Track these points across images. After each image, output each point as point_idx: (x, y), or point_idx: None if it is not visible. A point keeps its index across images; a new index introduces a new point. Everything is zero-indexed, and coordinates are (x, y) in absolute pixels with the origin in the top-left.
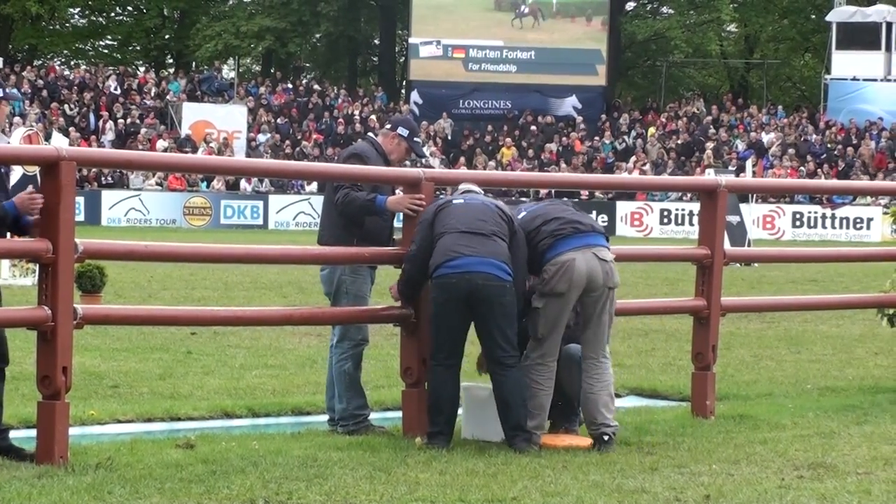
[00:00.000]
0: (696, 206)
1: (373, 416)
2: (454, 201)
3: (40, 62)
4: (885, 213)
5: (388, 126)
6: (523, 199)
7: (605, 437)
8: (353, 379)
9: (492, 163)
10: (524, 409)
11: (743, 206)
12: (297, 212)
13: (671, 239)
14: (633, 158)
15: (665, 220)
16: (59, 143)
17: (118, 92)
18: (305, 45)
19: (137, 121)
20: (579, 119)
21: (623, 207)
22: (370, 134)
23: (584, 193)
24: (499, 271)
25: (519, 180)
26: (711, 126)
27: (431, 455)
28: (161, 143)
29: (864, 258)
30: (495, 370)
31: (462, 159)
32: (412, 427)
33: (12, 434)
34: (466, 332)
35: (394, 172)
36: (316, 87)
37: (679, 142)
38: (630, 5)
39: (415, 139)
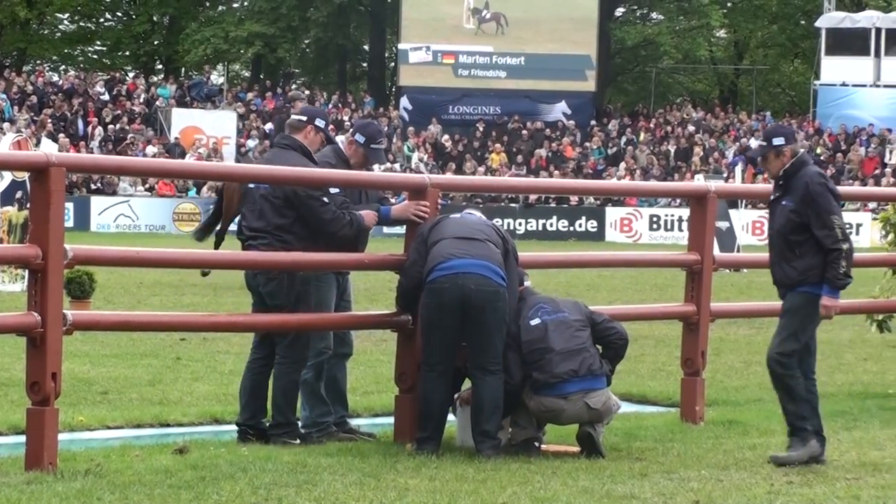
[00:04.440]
0: (685, 212)
1: (362, 422)
2: (451, 216)
3: (29, 67)
4: (875, 219)
5: (350, 131)
6: (513, 204)
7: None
8: (313, 388)
9: (481, 168)
10: (496, 416)
11: (732, 212)
12: None
13: (660, 245)
14: (623, 164)
15: (654, 226)
16: (48, 149)
17: (107, 98)
18: (294, 51)
19: (126, 126)
20: (569, 124)
21: (612, 213)
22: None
23: (574, 199)
24: (493, 275)
25: (515, 186)
26: (701, 131)
27: (421, 461)
28: (150, 149)
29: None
30: (476, 375)
31: (452, 165)
32: (405, 433)
33: (1, 440)
34: (459, 338)
35: (398, 179)
36: (306, 92)
37: (669, 147)
38: (619, 11)
39: (372, 146)
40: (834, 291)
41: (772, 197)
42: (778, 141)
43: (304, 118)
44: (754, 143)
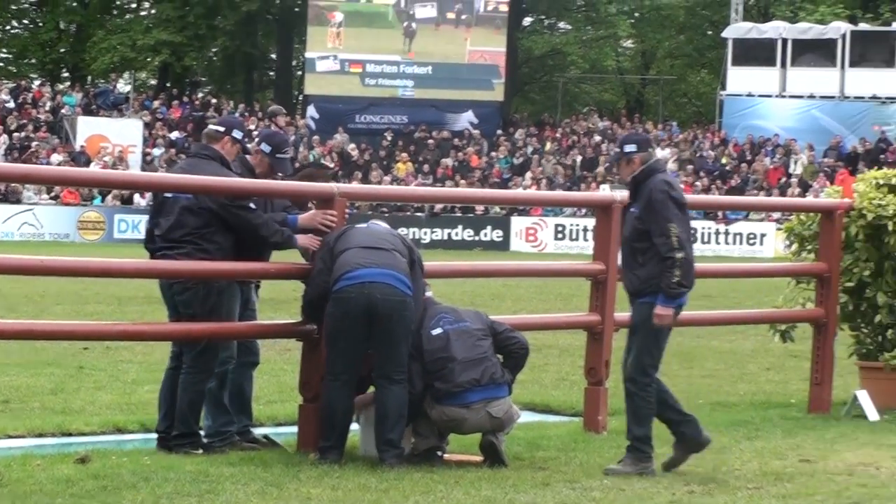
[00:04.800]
0: (590, 222)
1: (264, 431)
2: (358, 226)
3: None
4: (779, 229)
5: (256, 140)
6: (419, 213)
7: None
8: (217, 398)
9: (387, 177)
10: (400, 425)
11: None
12: None
13: (565, 254)
14: (529, 174)
15: (559, 236)
16: None
17: (12, 105)
18: (201, 60)
19: (32, 135)
20: (476, 134)
21: (518, 223)
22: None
23: (480, 208)
24: (399, 284)
25: (422, 196)
26: (607, 141)
27: (324, 470)
28: (56, 157)
29: (757, 274)
30: (382, 384)
31: (358, 174)
32: (308, 442)
33: None
34: (364, 348)
35: (307, 188)
36: (212, 101)
37: (575, 157)
38: (527, 20)
39: (278, 155)
40: (668, 301)
41: (626, 204)
42: (629, 148)
43: (222, 129)
44: (660, 152)
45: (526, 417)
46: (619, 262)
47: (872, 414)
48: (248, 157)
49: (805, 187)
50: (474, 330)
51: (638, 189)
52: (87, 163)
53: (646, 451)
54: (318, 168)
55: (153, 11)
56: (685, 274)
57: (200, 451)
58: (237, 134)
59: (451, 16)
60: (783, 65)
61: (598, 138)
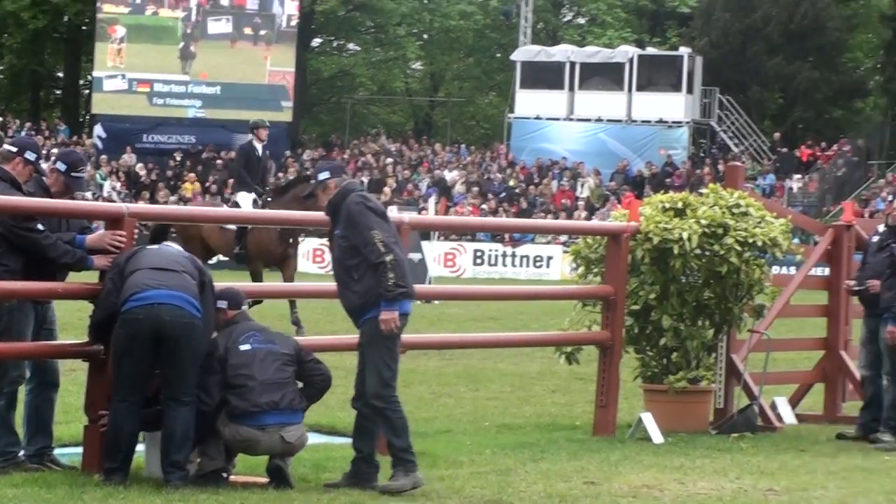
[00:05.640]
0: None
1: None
2: (149, 247)
3: None
4: (566, 252)
5: (52, 160)
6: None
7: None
8: (3, 418)
9: (173, 197)
10: (186, 447)
11: (424, 244)
12: None
13: None
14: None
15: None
16: None
17: None
18: None
19: None
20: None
21: (307, 244)
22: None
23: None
24: (188, 306)
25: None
26: (395, 163)
27: (108, 491)
28: None
29: (543, 296)
30: (169, 405)
31: (146, 194)
32: (93, 463)
33: None
34: (152, 369)
35: (96, 208)
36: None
37: (363, 178)
38: (316, 41)
39: (73, 174)
40: (390, 304)
41: (330, 229)
42: (323, 175)
43: (15, 149)
44: (448, 175)
45: (312, 439)
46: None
47: (657, 436)
48: (43, 177)
49: (592, 210)
50: (281, 353)
51: (336, 211)
52: None
53: (412, 459)
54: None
55: None
56: (400, 275)
57: None
58: (30, 155)
59: (248, 31)
60: (571, 88)
61: (386, 160)
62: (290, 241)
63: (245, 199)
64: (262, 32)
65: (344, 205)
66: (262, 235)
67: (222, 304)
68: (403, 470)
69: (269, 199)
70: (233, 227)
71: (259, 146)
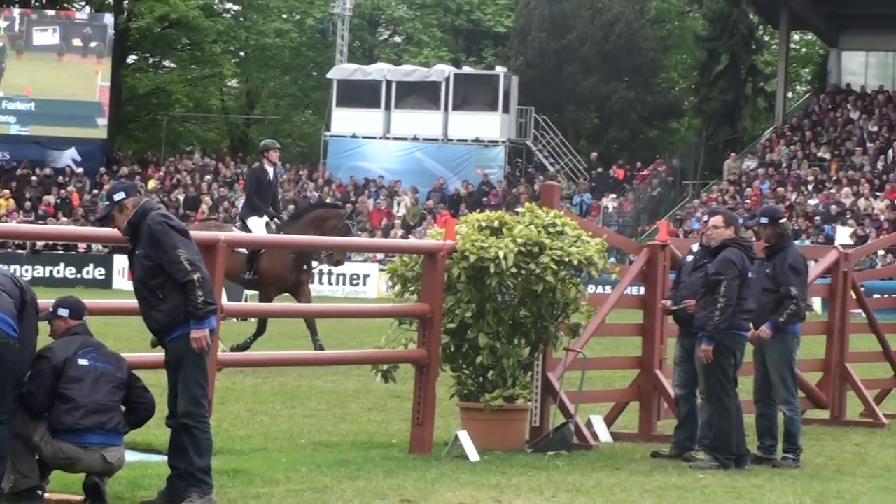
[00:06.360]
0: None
1: None
2: None
3: None
4: (382, 270)
5: None
6: (20, 250)
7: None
8: None
9: None
10: (2, 466)
11: None
12: None
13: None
14: None
15: None
16: None
17: None
18: None
19: None
20: (78, 171)
21: (121, 261)
22: None
23: (82, 246)
24: (3, 325)
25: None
26: (211, 180)
27: None
28: None
29: (360, 314)
30: None
31: None
32: None
33: None
34: None
35: None
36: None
37: (178, 196)
38: (132, 58)
39: None
40: (200, 322)
41: (130, 249)
42: (119, 196)
43: None
44: None
45: (128, 457)
46: (140, 306)
47: (473, 454)
48: None
49: (408, 228)
50: (115, 376)
51: (137, 231)
52: None
53: (209, 482)
54: (328, 208)
55: None
56: (208, 293)
57: None
58: None
59: (77, 43)
60: (387, 107)
61: (207, 177)
62: (304, 267)
63: (257, 224)
64: (93, 44)
65: (144, 224)
66: (275, 261)
67: (63, 312)
68: (199, 492)
69: (282, 222)
70: (244, 250)
71: (270, 169)
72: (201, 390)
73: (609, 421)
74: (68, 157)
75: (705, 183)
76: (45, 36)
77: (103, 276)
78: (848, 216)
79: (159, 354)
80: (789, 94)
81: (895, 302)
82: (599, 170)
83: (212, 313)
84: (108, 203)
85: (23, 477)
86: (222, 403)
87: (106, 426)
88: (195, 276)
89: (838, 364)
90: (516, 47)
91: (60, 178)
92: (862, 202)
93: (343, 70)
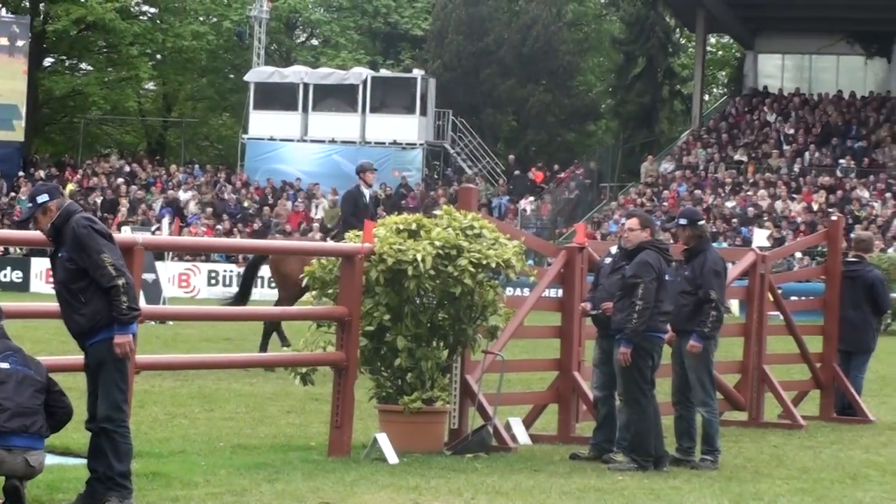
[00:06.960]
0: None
1: None
2: None
3: None
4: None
5: None
6: None
7: None
8: None
9: None
10: None
11: (159, 264)
12: None
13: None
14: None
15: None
16: None
17: None
18: None
19: None
20: None
21: (38, 264)
22: None
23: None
24: None
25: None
26: (128, 183)
27: None
28: None
29: (278, 317)
30: None
31: None
32: None
33: None
34: None
35: None
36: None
37: (96, 199)
38: (48, 61)
39: None
40: (124, 327)
41: (52, 251)
42: (42, 198)
43: None
44: (182, 194)
45: (47, 460)
46: (61, 309)
47: (392, 457)
48: None
49: (326, 231)
50: (36, 380)
51: (60, 233)
52: None
53: (129, 487)
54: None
55: None
56: (132, 298)
57: None
58: None
59: (4, 42)
60: (305, 109)
61: (119, 180)
62: None
63: None
64: (20, 43)
65: (68, 227)
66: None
67: None
68: (119, 496)
69: None
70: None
71: (367, 191)
72: (122, 395)
73: (528, 423)
74: None
75: (622, 185)
76: None
77: (21, 279)
78: (765, 218)
79: (77, 357)
80: (706, 97)
81: (812, 304)
82: (517, 173)
83: (135, 319)
84: (30, 205)
85: None
86: (141, 406)
87: (30, 429)
88: (120, 282)
89: (756, 366)
90: (433, 50)
91: None
92: (779, 204)
93: (260, 73)
